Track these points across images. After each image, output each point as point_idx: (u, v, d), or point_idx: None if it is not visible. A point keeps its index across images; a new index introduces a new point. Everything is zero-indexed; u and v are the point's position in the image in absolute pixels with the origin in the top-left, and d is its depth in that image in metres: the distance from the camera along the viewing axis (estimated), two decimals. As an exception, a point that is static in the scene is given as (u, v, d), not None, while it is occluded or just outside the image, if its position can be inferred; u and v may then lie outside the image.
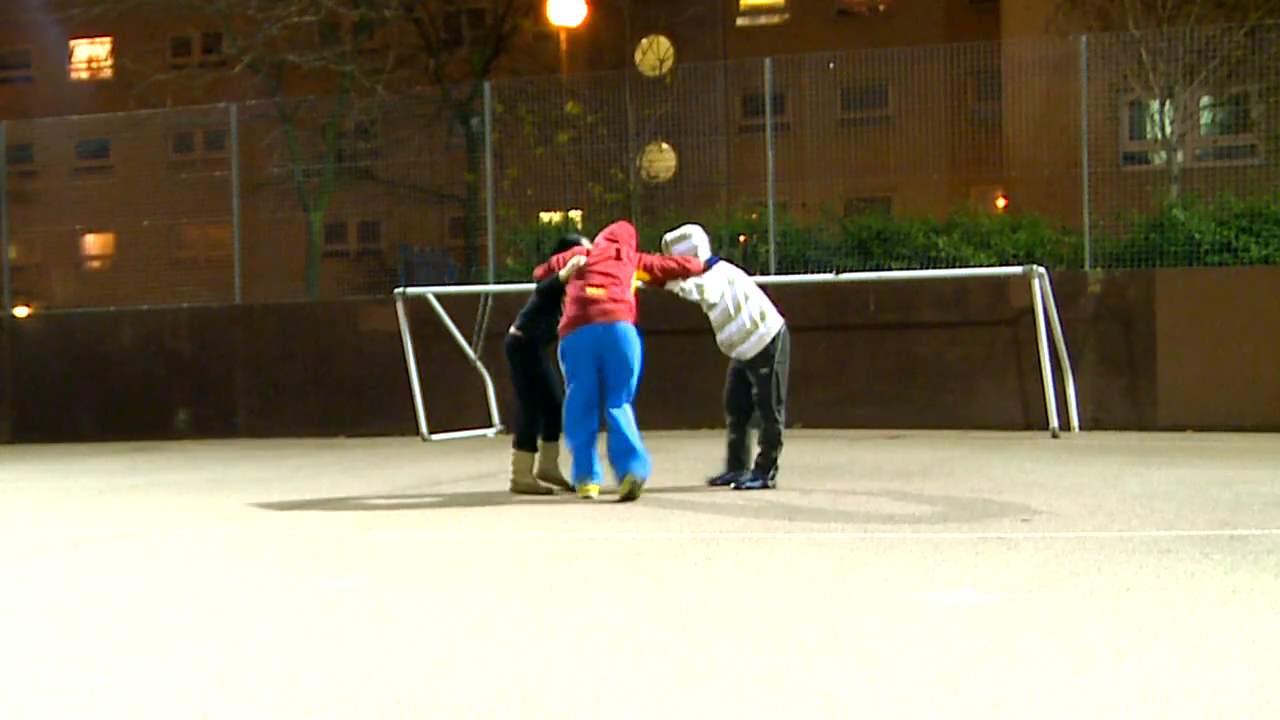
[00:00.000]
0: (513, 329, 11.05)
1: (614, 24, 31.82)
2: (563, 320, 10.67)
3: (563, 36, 28.63)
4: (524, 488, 10.89)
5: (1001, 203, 21.08)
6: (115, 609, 6.57)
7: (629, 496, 10.21)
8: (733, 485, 10.99)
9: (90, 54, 42.26)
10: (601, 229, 18.67)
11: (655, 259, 11.19)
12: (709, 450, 14.01)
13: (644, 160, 21.45)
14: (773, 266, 17.69)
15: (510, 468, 11.00)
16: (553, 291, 10.95)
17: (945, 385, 16.60)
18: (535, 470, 11.00)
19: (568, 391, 10.68)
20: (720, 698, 4.57)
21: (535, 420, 10.95)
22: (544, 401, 10.94)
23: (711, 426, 16.75)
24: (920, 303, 16.75)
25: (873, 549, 7.75)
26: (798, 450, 14.09)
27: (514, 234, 20.13)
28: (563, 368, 10.67)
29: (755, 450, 11.12)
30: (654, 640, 5.46)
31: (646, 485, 10.80)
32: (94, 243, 34.95)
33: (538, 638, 5.59)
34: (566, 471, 10.87)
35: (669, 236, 11.52)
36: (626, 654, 5.24)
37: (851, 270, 16.92)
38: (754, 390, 11.01)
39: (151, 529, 9.61)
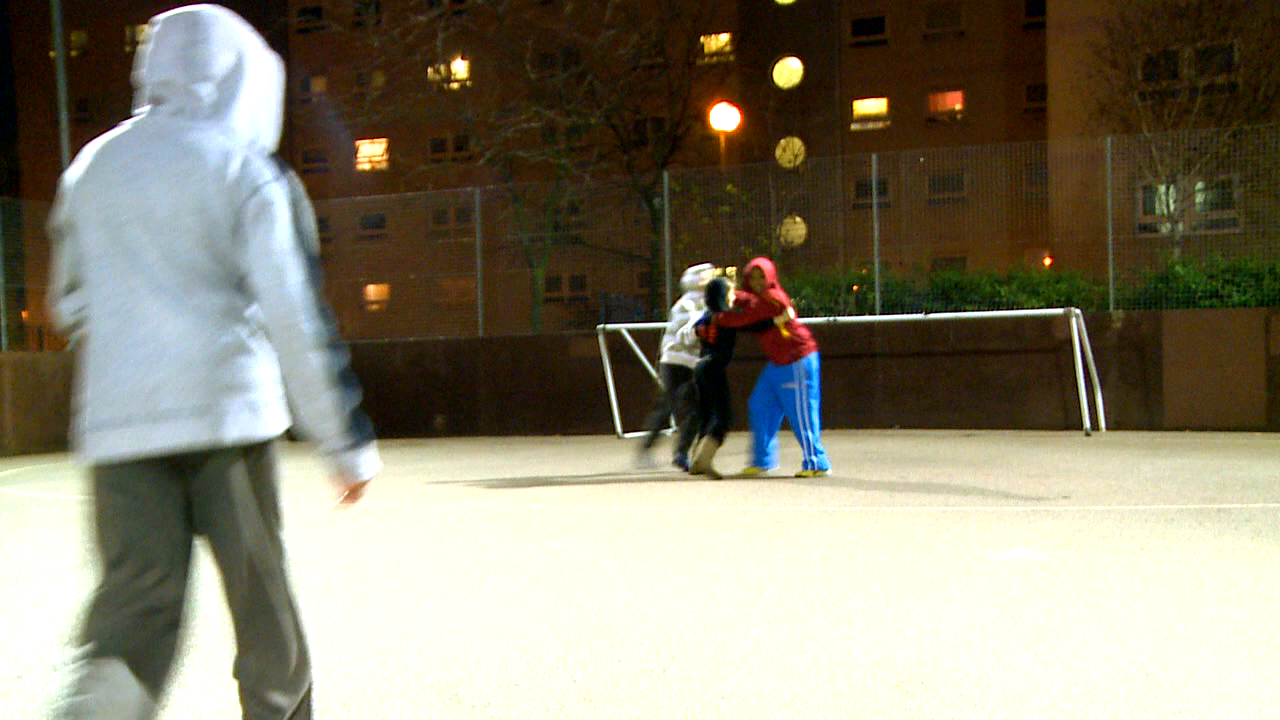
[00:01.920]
0: (705, 356, 10.76)
1: (760, 128, 31.63)
2: (806, 342, 10.54)
3: (722, 138, 28.65)
4: (702, 469, 10.70)
5: (1048, 261, 20.75)
6: (391, 564, 6.49)
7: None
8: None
9: (371, 151, 42.09)
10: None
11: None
12: (830, 446, 13.94)
13: (782, 229, 21.25)
14: (878, 308, 17.52)
15: (700, 452, 10.68)
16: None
17: (1006, 396, 16.35)
18: (698, 459, 10.74)
19: (814, 400, 10.57)
20: (835, 627, 4.64)
21: (727, 422, 10.66)
22: (728, 409, 10.69)
23: (832, 428, 16.61)
24: (988, 335, 16.49)
25: (951, 518, 7.65)
26: (896, 445, 13.99)
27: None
28: (807, 382, 10.49)
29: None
30: (788, 587, 5.47)
31: (779, 472, 10.89)
32: (373, 291, 35.20)
33: (701, 584, 5.60)
34: (718, 465, 10.82)
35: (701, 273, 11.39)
36: (768, 596, 5.28)
37: (936, 311, 16.94)
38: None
39: (416, 503, 9.41)
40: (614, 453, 14.34)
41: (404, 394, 19.76)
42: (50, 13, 22.32)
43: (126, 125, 2.74)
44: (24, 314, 27.46)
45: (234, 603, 2.82)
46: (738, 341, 10.91)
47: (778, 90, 35.36)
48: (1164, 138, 18.87)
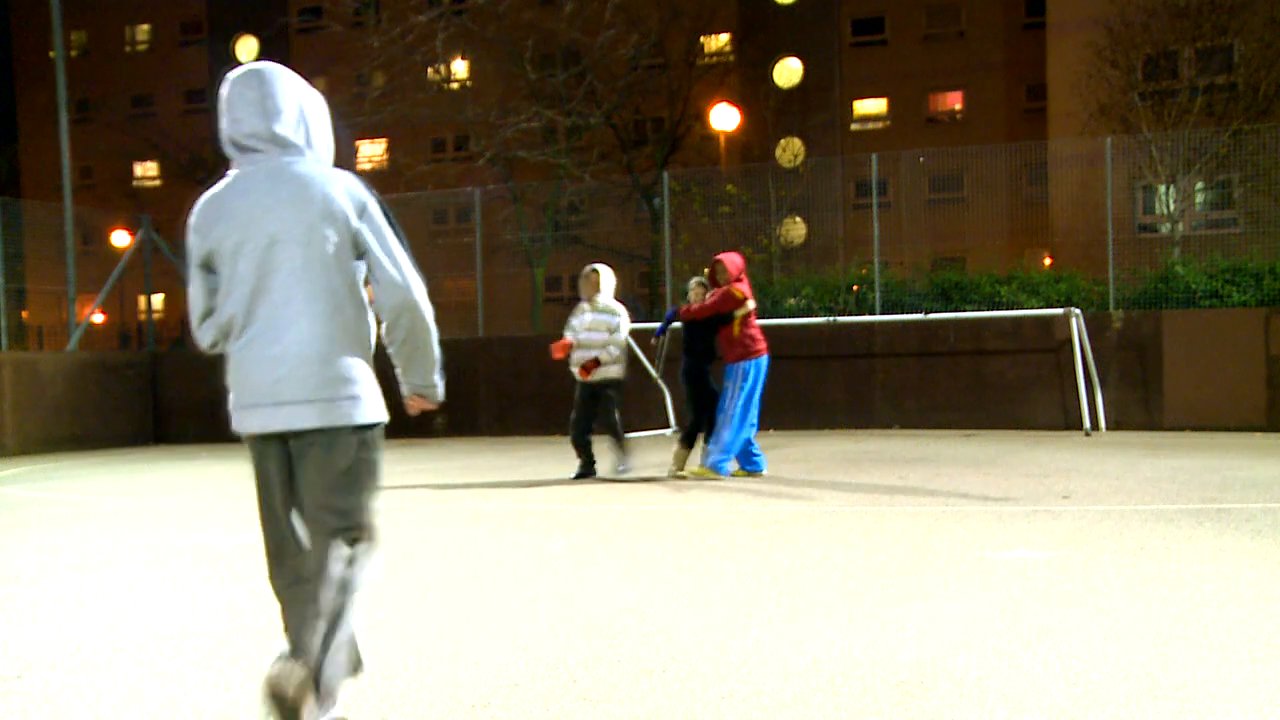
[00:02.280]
0: (687, 358, 10.70)
1: (760, 128, 31.76)
2: (756, 343, 10.43)
3: (722, 138, 28.54)
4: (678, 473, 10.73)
5: (1048, 261, 20.65)
6: (390, 564, 6.57)
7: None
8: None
9: (371, 151, 41.75)
10: (752, 282, 19.16)
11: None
12: (829, 446, 14.24)
13: (782, 229, 21.25)
14: (878, 308, 17.48)
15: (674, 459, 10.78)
16: (709, 322, 10.56)
17: (1006, 396, 16.29)
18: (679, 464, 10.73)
19: (754, 403, 10.45)
20: (835, 627, 4.65)
21: (699, 425, 10.73)
22: (703, 412, 10.69)
23: (832, 428, 17.02)
24: (988, 335, 16.44)
25: (952, 518, 7.65)
26: (896, 445, 13.96)
27: (685, 284, 19.63)
28: (743, 384, 10.32)
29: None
30: (789, 586, 5.48)
31: (784, 472, 10.92)
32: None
33: (700, 584, 5.62)
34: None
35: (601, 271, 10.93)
36: (768, 596, 5.28)
37: (936, 311, 16.89)
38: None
39: (416, 503, 9.41)
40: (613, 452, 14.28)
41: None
42: (50, 13, 22.33)
43: (236, 174, 3.36)
44: (24, 314, 27.50)
45: (312, 564, 3.37)
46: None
47: (778, 90, 35.39)
48: (1164, 138, 18.86)
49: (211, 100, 44.60)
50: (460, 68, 30.88)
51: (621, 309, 11.05)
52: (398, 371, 3.50)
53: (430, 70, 27.58)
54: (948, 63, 35.41)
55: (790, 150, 30.08)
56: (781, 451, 13.52)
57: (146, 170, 45.98)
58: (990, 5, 35.30)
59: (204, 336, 3.46)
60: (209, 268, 3.39)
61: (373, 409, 3.39)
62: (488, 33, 26.69)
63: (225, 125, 3.36)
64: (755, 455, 10.75)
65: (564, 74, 26.35)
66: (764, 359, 10.59)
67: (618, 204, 26.36)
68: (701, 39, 33.09)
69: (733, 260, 10.64)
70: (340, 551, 3.33)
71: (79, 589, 6.17)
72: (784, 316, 17.79)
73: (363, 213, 3.33)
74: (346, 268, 3.33)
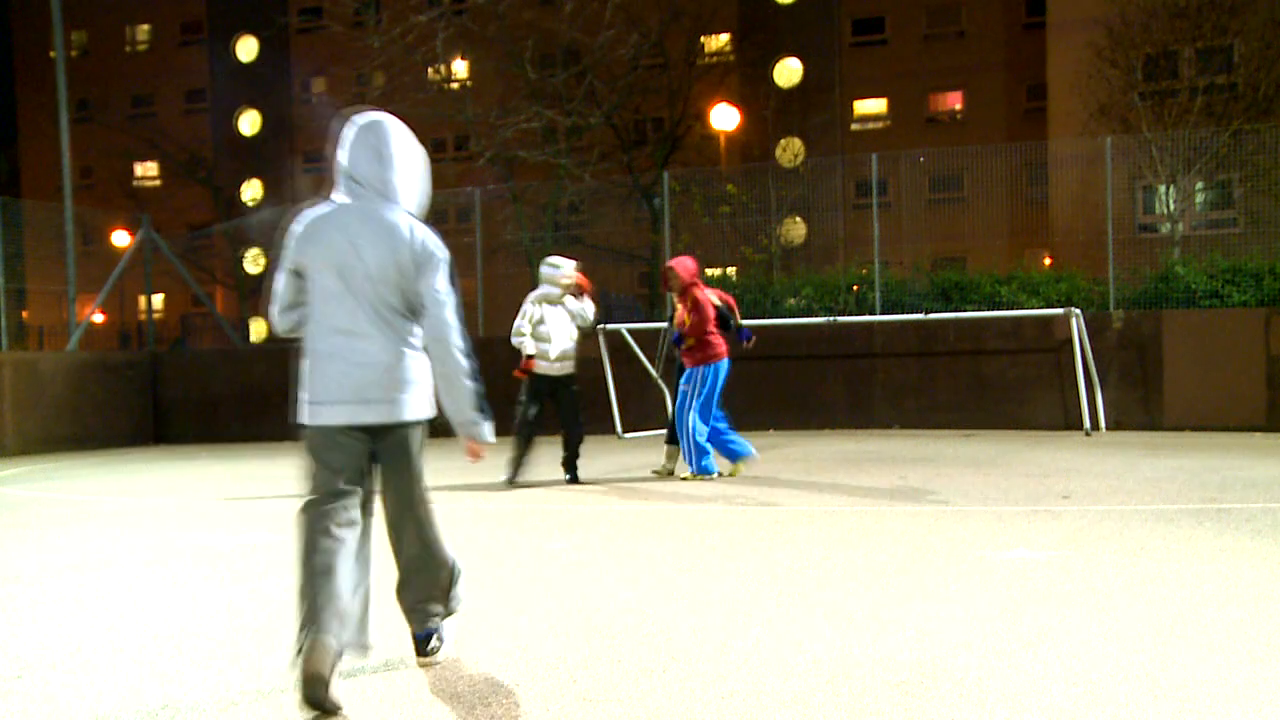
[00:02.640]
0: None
1: (760, 128, 31.76)
2: (719, 348, 10.34)
3: (722, 138, 28.51)
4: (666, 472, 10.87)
5: (1048, 261, 20.54)
6: (389, 564, 6.64)
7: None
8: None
9: (371, 151, 42.56)
10: (751, 282, 19.24)
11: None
12: (829, 446, 14.24)
13: (782, 229, 21.06)
14: (878, 308, 17.42)
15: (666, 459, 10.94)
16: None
17: (1006, 396, 16.23)
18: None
19: (710, 403, 10.39)
20: (835, 627, 4.65)
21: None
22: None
23: (832, 428, 16.93)
24: (987, 335, 16.39)
25: (951, 518, 7.65)
26: (896, 446, 13.89)
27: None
28: (707, 388, 10.29)
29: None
30: (788, 587, 5.49)
31: (784, 472, 10.90)
32: None
33: (700, 584, 5.64)
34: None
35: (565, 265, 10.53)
36: (768, 596, 5.29)
37: (936, 311, 16.81)
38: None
39: None
40: (614, 453, 14.28)
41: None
42: (50, 13, 22.33)
43: (337, 204, 4.12)
44: (24, 314, 27.48)
45: (396, 534, 4.26)
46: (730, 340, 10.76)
47: (778, 90, 35.41)
48: (1164, 137, 18.79)
49: (212, 99, 44.82)
50: (460, 68, 30.85)
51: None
52: (445, 407, 4.17)
53: (430, 70, 27.52)
54: (948, 62, 35.42)
55: (790, 150, 30.10)
56: (781, 451, 13.51)
57: (146, 170, 46.01)
58: (990, 5, 35.31)
59: (282, 323, 4.27)
60: (299, 274, 4.15)
61: (423, 407, 4.15)
62: (488, 33, 26.64)
63: (342, 159, 4.15)
64: (733, 442, 10.72)
65: (564, 74, 26.30)
66: (725, 362, 10.52)
67: (618, 204, 26.18)
68: (702, 39, 33.08)
69: (684, 265, 10.54)
70: (422, 515, 4.25)
71: (79, 589, 6.17)
72: (784, 316, 17.77)
73: (429, 262, 4.08)
74: (410, 300, 4.10)
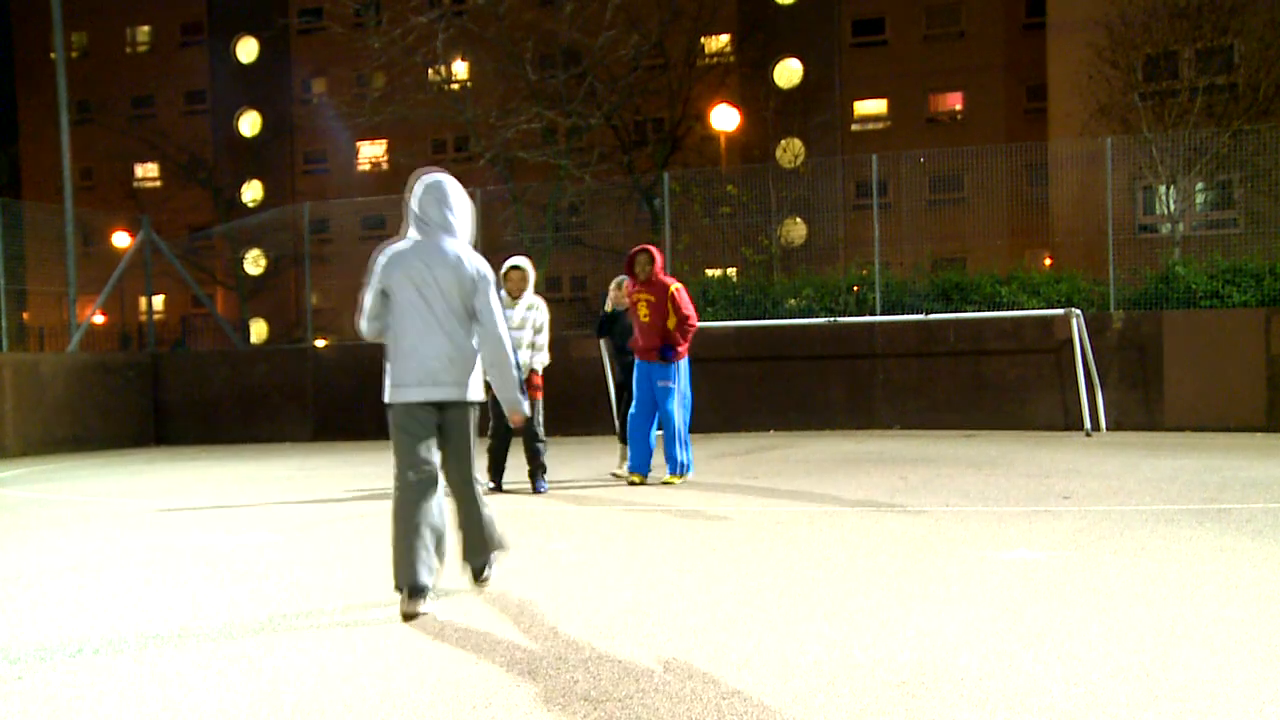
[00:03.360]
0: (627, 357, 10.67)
1: (760, 129, 31.74)
2: (685, 348, 10.20)
3: (722, 138, 28.42)
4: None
5: (1048, 261, 20.57)
6: (387, 565, 6.76)
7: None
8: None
9: (371, 152, 42.07)
10: (752, 283, 19.21)
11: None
12: (830, 447, 14.24)
13: (783, 230, 21.08)
14: (878, 309, 17.44)
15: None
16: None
17: (1006, 397, 16.26)
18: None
19: (688, 403, 10.37)
20: (836, 628, 4.66)
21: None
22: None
23: (833, 429, 17.00)
24: (988, 335, 16.43)
25: (952, 519, 7.64)
26: (896, 445, 13.94)
27: (686, 284, 19.36)
28: (684, 383, 10.31)
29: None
30: (790, 587, 5.49)
31: (784, 472, 10.97)
32: None
33: (701, 584, 5.65)
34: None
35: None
36: (768, 597, 5.30)
37: (937, 311, 16.88)
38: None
39: None
40: (614, 453, 14.09)
41: (405, 394, 19.39)
42: (51, 14, 22.33)
43: (415, 240, 5.53)
44: (25, 315, 27.46)
45: (454, 488, 5.68)
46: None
47: (778, 91, 35.39)
48: (1164, 138, 18.76)
49: (212, 101, 44.75)
50: (460, 69, 30.84)
51: (543, 303, 10.31)
52: (495, 388, 5.71)
53: (430, 71, 27.52)
54: (948, 63, 35.41)
55: (790, 151, 30.05)
56: (782, 452, 13.53)
57: (147, 171, 45.99)
58: (990, 6, 35.29)
59: (369, 330, 5.60)
60: (385, 293, 5.52)
61: (477, 392, 5.59)
62: (488, 34, 26.63)
63: (414, 206, 5.55)
64: (649, 453, 10.53)
65: (564, 75, 26.30)
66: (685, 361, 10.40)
67: (618, 205, 26.21)
68: (702, 39, 33.07)
69: (658, 250, 10.31)
70: (470, 475, 5.66)
71: (79, 590, 6.17)
72: (785, 317, 17.79)
73: (482, 282, 5.53)
74: (468, 309, 5.52)
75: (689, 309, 10.20)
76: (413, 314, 5.44)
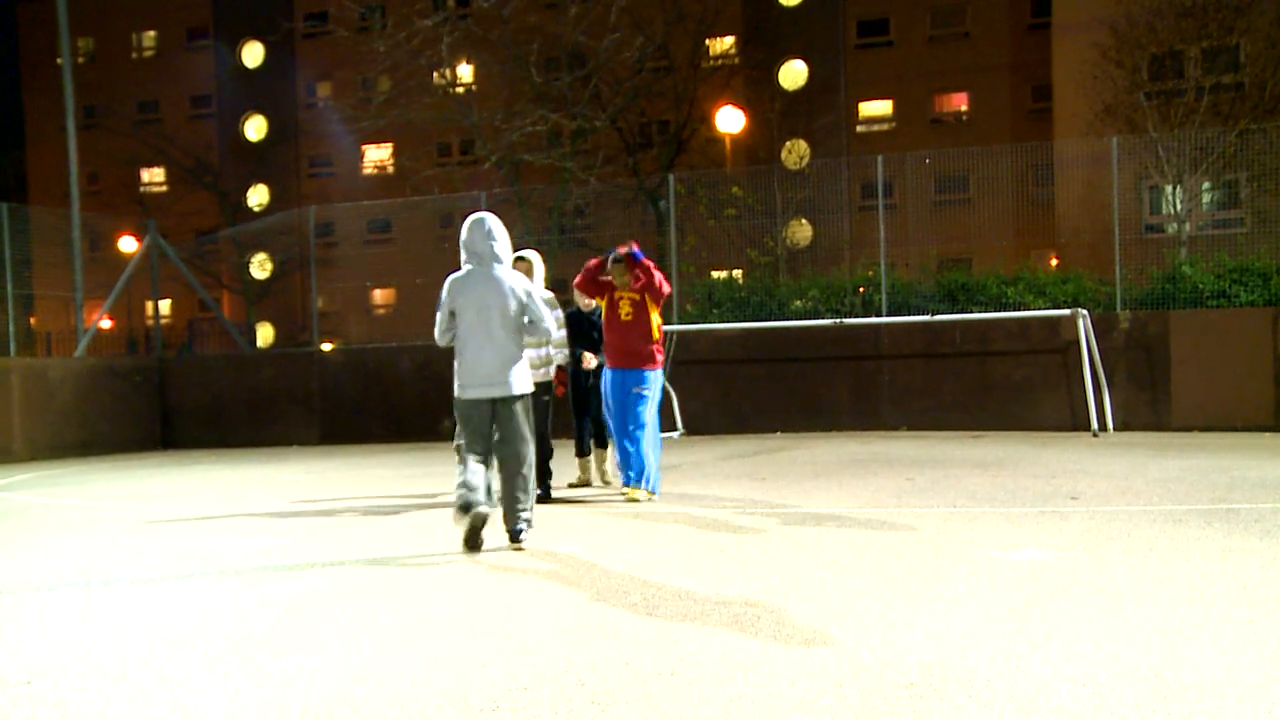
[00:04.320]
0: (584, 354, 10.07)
1: (765, 131, 31.67)
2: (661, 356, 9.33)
3: (727, 140, 28.55)
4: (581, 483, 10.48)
5: (1054, 262, 20.47)
6: (399, 567, 6.67)
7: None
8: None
9: (377, 156, 42.06)
10: (757, 284, 19.23)
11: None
12: (836, 448, 14.23)
13: (788, 231, 20.93)
14: (884, 310, 17.37)
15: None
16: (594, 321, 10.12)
17: (1013, 398, 16.20)
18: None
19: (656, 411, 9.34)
20: (844, 629, 4.67)
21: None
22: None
23: (838, 430, 16.90)
24: (994, 336, 16.40)
25: (960, 520, 7.65)
26: (902, 447, 13.91)
27: (691, 287, 19.59)
28: (657, 394, 9.31)
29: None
30: (795, 589, 5.50)
31: (791, 474, 11.08)
32: (380, 295, 35.12)
33: (708, 586, 5.66)
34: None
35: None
36: (775, 598, 5.31)
37: (943, 312, 16.82)
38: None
39: (425, 507, 9.41)
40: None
41: (411, 398, 19.41)
42: (57, 19, 22.39)
43: (469, 269, 7.11)
44: (32, 320, 27.56)
45: (503, 464, 7.16)
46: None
47: (783, 92, 35.38)
48: (1170, 138, 18.70)
49: (218, 105, 44.81)
50: (465, 72, 30.93)
51: (552, 297, 9.70)
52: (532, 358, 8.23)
53: (435, 74, 27.56)
54: (953, 64, 35.40)
55: (796, 152, 30.00)
56: (788, 454, 13.53)
57: (153, 176, 46.10)
58: (995, 6, 35.28)
59: (443, 340, 7.25)
60: (453, 313, 7.16)
61: (521, 386, 7.16)
62: (493, 36, 26.65)
63: (465, 241, 7.13)
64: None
65: (569, 77, 26.31)
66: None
67: (623, 207, 26.13)
68: (706, 42, 33.08)
69: (635, 243, 9.34)
70: (521, 452, 7.15)
71: (87, 595, 6.19)
72: (790, 318, 17.77)
73: (527, 296, 7.13)
74: (518, 321, 7.14)
75: (664, 283, 9.22)
76: (473, 331, 7.09)
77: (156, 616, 5.53)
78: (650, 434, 9.23)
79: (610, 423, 9.53)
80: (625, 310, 9.18)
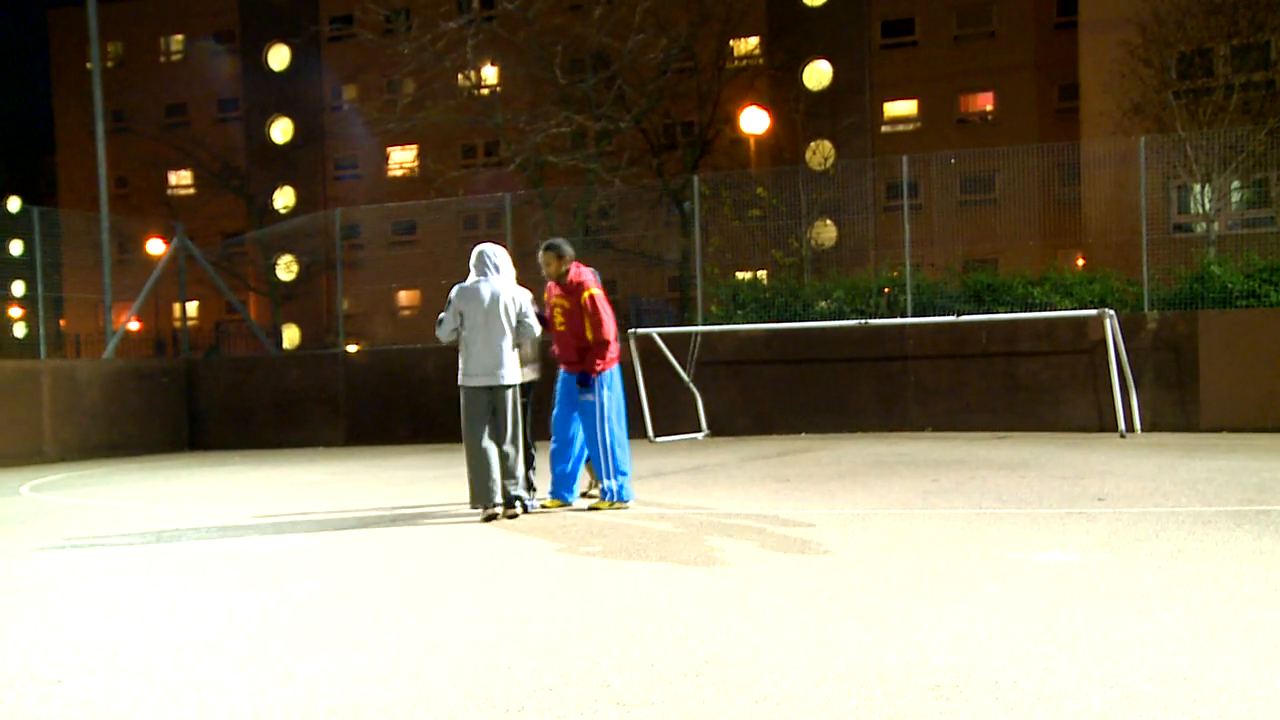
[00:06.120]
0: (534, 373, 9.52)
1: (790, 131, 31.76)
2: (615, 355, 9.04)
3: (752, 141, 28.58)
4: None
5: (1081, 262, 20.29)
6: (424, 570, 6.72)
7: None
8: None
9: (401, 158, 42.47)
10: (782, 285, 19.22)
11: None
12: (861, 449, 14.24)
13: (813, 232, 20.98)
14: (910, 310, 17.40)
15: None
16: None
17: (1039, 398, 16.19)
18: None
19: (621, 416, 9.12)
20: (869, 631, 4.65)
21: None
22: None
23: (864, 431, 17.02)
24: (1020, 337, 16.38)
25: (986, 521, 7.61)
26: (928, 447, 13.91)
27: (716, 288, 19.72)
28: (617, 396, 9.07)
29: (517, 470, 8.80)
30: (822, 591, 5.46)
31: (816, 475, 11.06)
32: (405, 297, 35.37)
33: (733, 588, 5.64)
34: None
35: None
36: (801, 600, 5.27)
37: (968, 313, 16.81)
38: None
39: (449, 509, 9.39)
40: (646, 457, 14.19)
41: (436, 399, 19.36)
42: (87, 25, 22.56)
43: (476, 280, 8.70)
44: (61, 322, 27.76)
45: (499, 439, 8.71)
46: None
47: (807, 93, 35.36)
48: (1199, 136, 18.61)
49: (244, 108, 45.11)
50: (490, 74, 31.00)
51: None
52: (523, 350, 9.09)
53: (460, 76, 27.66)
54: (978, 63, 35.28)
55: (820, 153, 30.07)
56: (813, 455, 13.51)
57: (180, 179, 46.45)
58: (1021, 5, 35.14)
59: (445, 337, 8.79)
60: (460, 314, 8.62)
61: (514, 377, 8.72)
62: (517, 38, 26.77)
63: (475, 261, 8.76)
64: (574, 483, 9.34)
65: (593, 79, 26.36)
66: (617, 367, 9.20)
67: (648, 208, 26.27)
68: (730, 42, 33.09)
69: (567, 243, 8.99)
70: (514, 430, 8.74)
71: (115, 595, 6.22)
72: (815, 319, 17.76)
73: (523, 303, 8.71)
74: (512, 322, 8.63)
75: (606, 324, 8.86)
76: (478, 330, 8.57)
77: (184, 616, 5.55)
78: (605, 438, 8.94)
79: (554, 426, 9.21)
80: (559, 320, 9.00)
